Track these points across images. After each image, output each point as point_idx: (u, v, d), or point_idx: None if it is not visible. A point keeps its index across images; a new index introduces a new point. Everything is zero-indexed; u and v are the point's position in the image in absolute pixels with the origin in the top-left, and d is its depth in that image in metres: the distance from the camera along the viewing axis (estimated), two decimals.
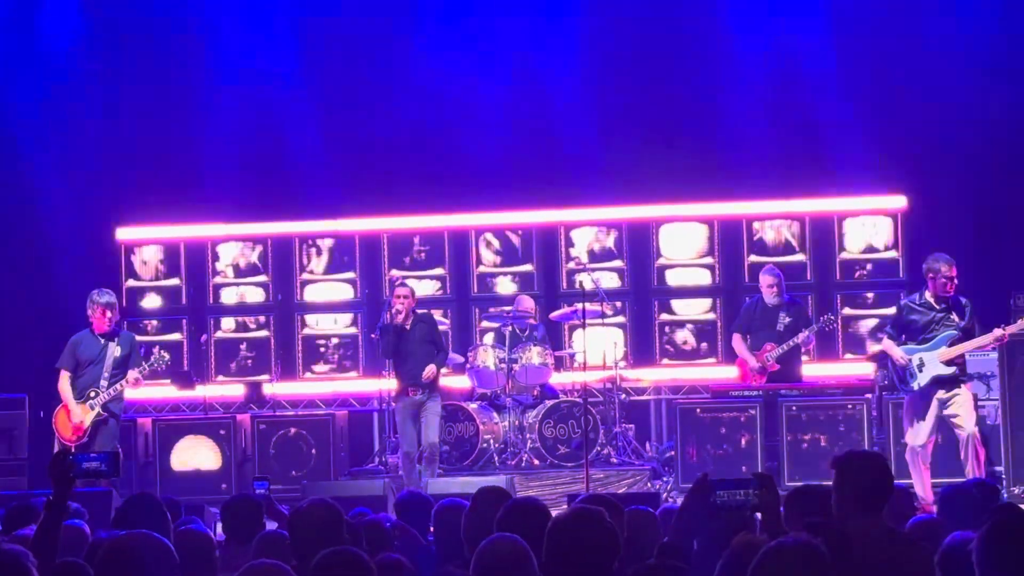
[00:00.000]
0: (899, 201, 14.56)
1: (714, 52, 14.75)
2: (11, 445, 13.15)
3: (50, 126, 15.07)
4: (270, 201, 15.23)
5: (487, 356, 13.34)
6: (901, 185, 14.47)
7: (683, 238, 14.95)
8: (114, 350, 11.53)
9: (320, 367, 15.14)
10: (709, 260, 14.90)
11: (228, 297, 15.36)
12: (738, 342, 13.00)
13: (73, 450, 11.03)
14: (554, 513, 5.15)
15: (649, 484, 12.66)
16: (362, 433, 14.50)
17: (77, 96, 15.17)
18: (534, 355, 13.26)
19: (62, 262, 14.69)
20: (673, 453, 12.83)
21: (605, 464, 13.06)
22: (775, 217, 14.85)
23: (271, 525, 7.10)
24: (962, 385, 11.04)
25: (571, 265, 14.82)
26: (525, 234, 15.10)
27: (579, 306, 12.67)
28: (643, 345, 14.79)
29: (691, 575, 4.78)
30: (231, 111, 15.12)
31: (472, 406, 13.26)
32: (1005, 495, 11.13)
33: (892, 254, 14.64)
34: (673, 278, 14.94)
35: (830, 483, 5.32)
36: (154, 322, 15.27)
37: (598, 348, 13.35)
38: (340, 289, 15.24)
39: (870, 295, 14.72)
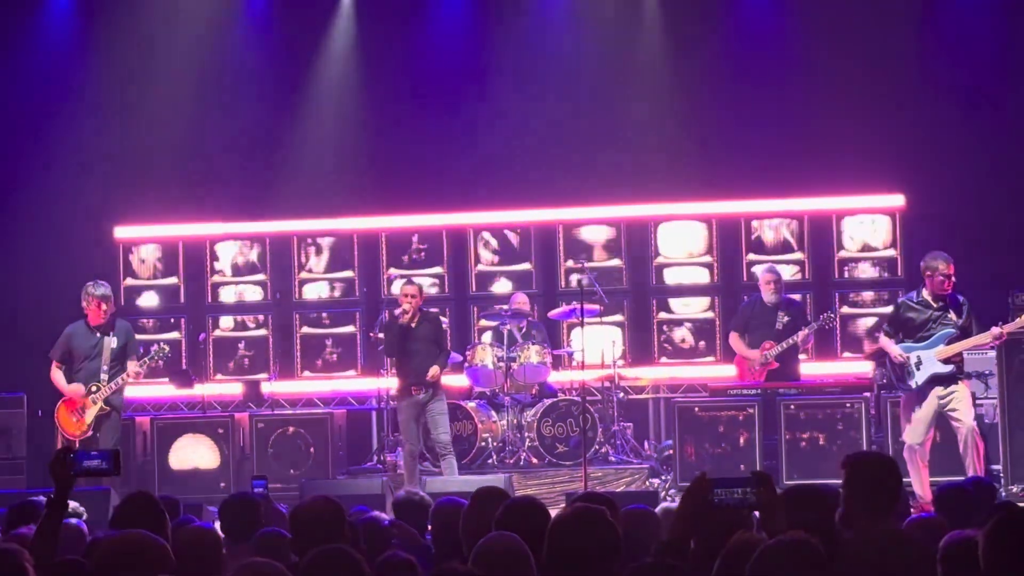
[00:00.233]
0: (897, 200, 14.56)
1: (713, 50, 14.74)
2: (9, 444, 13.16)
3: (48, 124, 15.05)
4: (268, 200, 15.22)
5: (485, 355, 13.34)
6: (899, 184, 14.47)
7: (681, 237, 14.95)
8: (110, 342, 11.51)
9: (318, 363, 15.14)
10: (708, 259, 14.90)
11: (226, 296, 15.36)
12: (735, 340, 13.01)
13: (77, 446, 11.03)
14: (553, 512, 5.15)
15: (647, 483, 12.68)
16: (360, 432, 14.51)
17: (75, 94, 15.16)
18: (532, 354, 13.27)
19: (60, 261, 14.68)
20: (671, 452, 12.83)
21: (603, 463, 13.07)
22: (773, 216, 14.86)
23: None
24: (960, 382, 11.06)
25: (570, 263, 14.82)
26: (523, 233, 15.09)
27: (577, 304, 12.68)
28: (641, 344, 14.79)
29: (689, 573, 4.77)
30: (230, 110, 15.12)
31: (470, 405, 13.26)
32: (1003, 493, 11.14)
33: (890, 252, 14.64)
34: (671, 277, 14.94)
35: (825, 482, 5.32)
36: (152, 321, 15.26)
37: (596, 347, 13.35)
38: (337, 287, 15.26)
39: (868, 294, 14.71)
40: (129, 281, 15.25)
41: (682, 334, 14.86)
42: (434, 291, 14.87)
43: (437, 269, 15.05)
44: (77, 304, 11.73)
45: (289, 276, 15.25)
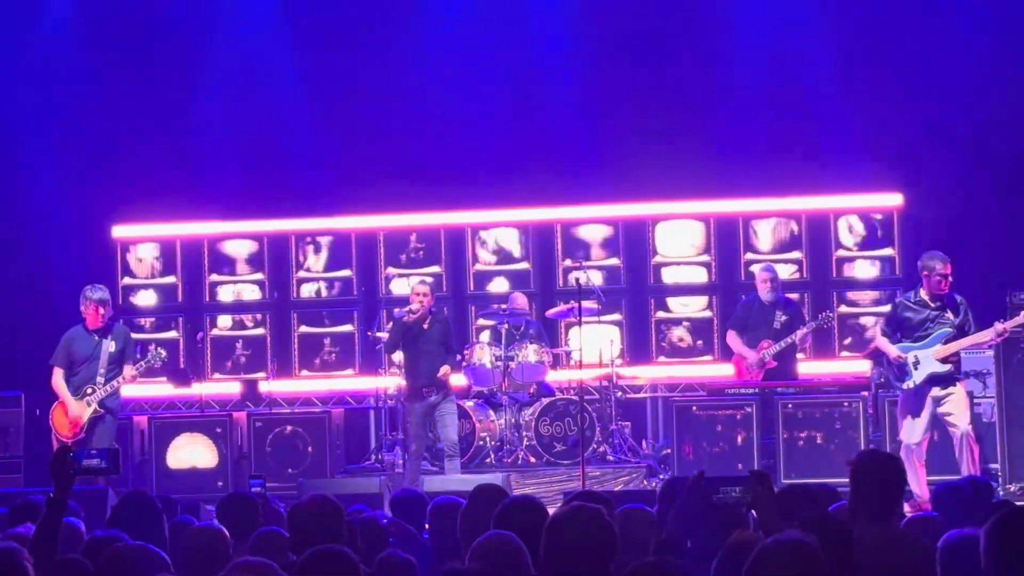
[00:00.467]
0: (895, 199, 14.57)
1: (711, 49, 14.75)
2: (7, 443, 13.15)
3: (45, 123, 15.05)
4: (266, 199, 15.22)
5: (483, 354, 13.34)
6: (897, 183, 14.47)
7: (679, 236, 14.95)
8: (108, 346, 11.51)
9: (316, 363, 15.14)
10: (705, 258, 14.90)
11: (224, 295, 15.35)
12: (733, 339, 13.01)
13: (71, 446, 11.02)
14: (551, 511, 5.15)
15: (645, 482, 12.67)
16: (358, 431, 14.50)
17: (72, 93, 15.15)
18: (530, 353, 13.27)
19: (58, 260, 14.69)
20: (669, 451, 12.83)
21: (601, 462, 13.07)
22: (771, 215, 14.86)
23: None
24: (957, 383, 11.06)
25: (567, 262, 14.82)
26: (522, 232, 15.09)
27: (575, 303, 12.68)
28: (639, 343, 14.80)
29: (688, 573, 4.78)
30: (228, 108, 15.12)
31: (468, 404, 13.26)
32: (1000, 492, 11.15)
33: (888, 251, 14.64)
34: (669, 276, 14.94)
35: (822, 481, 5.34)
36: (150, 320, 15.26)
37: (594, 346, 13.35)
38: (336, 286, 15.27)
39: (866, 293, 14.72)
40: (127, 280, 15.25)
41: (680, 333, 14.87)
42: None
43: (435, 268, 15.05)
44: (74, 303, 11.72)
45: (287, 275, 15.25)
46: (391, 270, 15.03)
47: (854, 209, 14.75)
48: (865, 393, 12.61)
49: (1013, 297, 11.80)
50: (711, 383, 13.40)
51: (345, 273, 15.23)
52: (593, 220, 15.07)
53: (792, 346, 12.79)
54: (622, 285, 14.91)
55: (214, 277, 15.31)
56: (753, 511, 4.94)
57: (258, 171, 15.26)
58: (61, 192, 15.00)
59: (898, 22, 14.56)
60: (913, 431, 10.98)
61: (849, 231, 14.73)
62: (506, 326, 13.48)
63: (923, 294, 11.09)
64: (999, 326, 10.92)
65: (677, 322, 14.88)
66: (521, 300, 14.08)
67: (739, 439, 12.47)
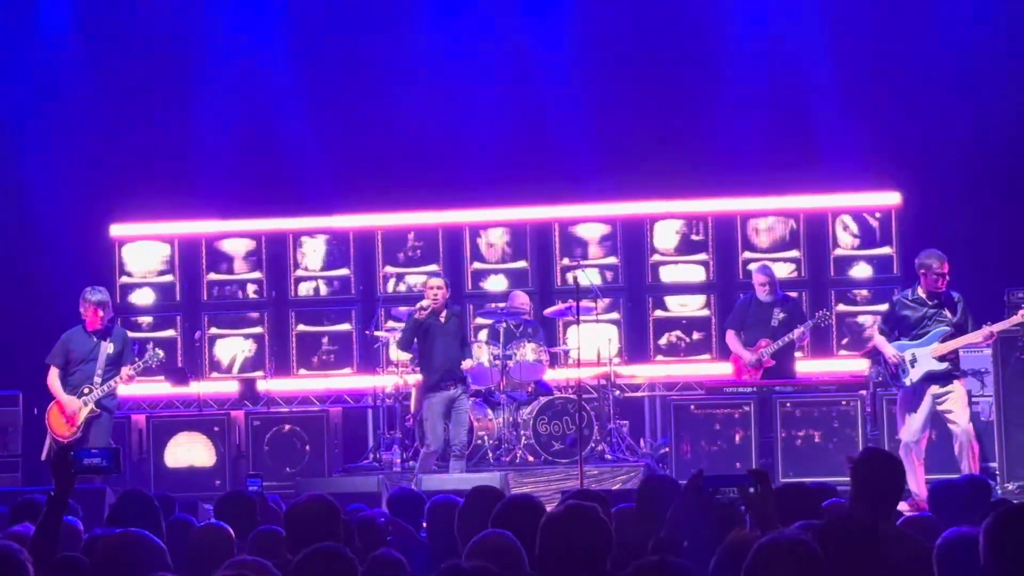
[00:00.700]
0: (893, 197, 14.57)
1: (709, 48, 14.75)
2: (5, 442, 13.15)
3: (43, 122, 15.04)
4: (264, 198, 15.21)
5: (481, 352, 13.33)
6: (895, 181, 14.48)
7: (677, 234, 14.94)
8: (107, 347, 11.52)
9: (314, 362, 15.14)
10: (703, 256, 14.90)
11: (222, 294, 15.34)
12: (731, 338, 13.03)
13: (65, 444, 11.03)
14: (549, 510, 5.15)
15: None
16: (356, 429, 14.51)
17: (70, 92, 15.15)
18: (528, 351, 13.27)
19: (55, 258, 14.68)
20: (667, 449, 12.84)
21: (599, 461, 13.07)
22: (769, 214, 14.86)
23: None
24: (955, 380, 11.08)
25: (565, 261, 14.82)
26: (520, 230, 15.09)
27: (573, 302, 12.68)
28: (637, 341, 14.80)
29: (688, 571, 4.78)
30: (225, 107, 15.11)
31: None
32: (999, 491, 11.15)
33: (886, 250, 14.65)
34: (667, 274, 14.94)
35: (820, 480, 5.35)
36: (147, 319, 15.26)
37: (592, 344, 13.35)
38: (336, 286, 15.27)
39: (864, 291, 14.72)
40: (124, 279, 15.24)
41: (678, 332, 14.87)
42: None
43: (433, 267, 15.04)
44: (72, 302, 11.73)
45: (285, 274, 15.24)
46: (389, 269, 15.03)
47: (852, 208, 14.75)
48: (863, 392, 12.62)
49: (1011, 295, 11.82)
50: (709, 382, 13.40)
51: (343, 272, 15.23)
52: (591, 219, 15.07)
53: (790, 344, 12.81)
54: (620, 284, 14.91)
55: (212, 276, 15.30)
56: (749, 510, 4.94)
57: (256, 170, 15.24)
58: (59, 191, 14.98)
59: (896, 21, 14.56)
60: (912, 429, 11.00)
61: (847, 230, 14.73)
62: (504, 325, 13.48)
63: (921, 292, 11.10)
64: (986, 330, 10.95)
65: (675, 321, 14.88)
66: (522, 298, 14.07)
67: (737, 438, 12.48)
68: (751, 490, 4.84)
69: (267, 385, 14.36)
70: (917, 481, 10.84)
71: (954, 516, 5.98)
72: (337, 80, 15.23)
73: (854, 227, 14.71)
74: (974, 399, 11.88)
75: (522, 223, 15.10)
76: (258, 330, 15.22)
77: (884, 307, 12.35)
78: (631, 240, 14.93)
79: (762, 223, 14.83)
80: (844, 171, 14.43)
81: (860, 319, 14.57)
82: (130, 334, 12.28)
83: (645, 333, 14.84)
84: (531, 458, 13.11)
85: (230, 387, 14.61)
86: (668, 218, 14.92)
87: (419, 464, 12.29)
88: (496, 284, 15.01)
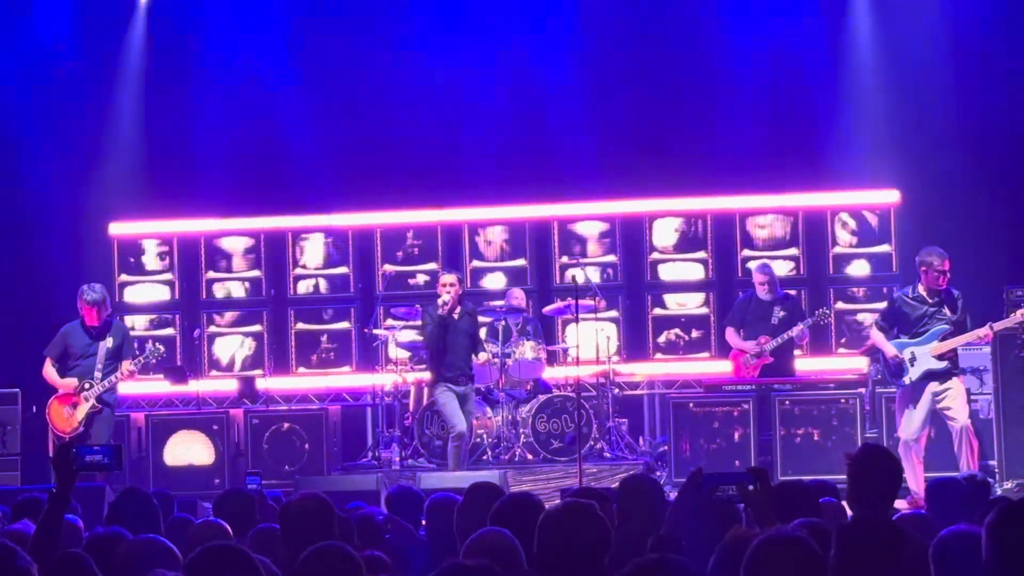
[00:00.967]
0: (892, 195, 14.57)
1: (708, 47, 14.76)
2: (4, 440, 13.14)
3: (43, 121, 15.03)
4: (263, 196, 15.21)
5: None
6: (894, 179, 14.48)
7: (676, 232, 14.94)
8: (106, 343, 11.53)
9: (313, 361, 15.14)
10: (702, 254, 14.90)
11: (221, 292, 15.35)
12: (731, 335, 13.04)
13: (67, 441, 11.03)
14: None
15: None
16: (355, 428, 14.52)
17: (71, 91, 15.15)
18: (527, 350, 13.26)
19: (55, 256, 14.69)
20: (666, 447, 12.84)
21: (598, 459, 13.07)
22: (768, 212, 14.86)
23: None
24: (955, 378, 11.08)
25: (564, 259, 14.82)
26: (518, 228, 15.09)
27: (572, 300, 12.68)
28: (636, 339, 14.80)
29: (688, 570, 4.78)
30: (225, 106, 15.12)
31: None
32: (997, 489, 11.16)
33: (885, 248, 14.65)
34: (666, 272, 14.95)
35: (818, 478, 5.35)
36: (147, 317, 15.25)
37: (591, 343, 13.34)
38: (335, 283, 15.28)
39: (863, 289, 14.73)
40: (124, 277, 15.23)
41: (677, 330, 14.87)
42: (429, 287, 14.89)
43: (432, 265, 15.05)
44: (72, 299, 11.74)
45: (283, 272, 15.24)
46: (388, 267, 15.02)
47: (851, 206, 14.75)
48: (862, 390, 12.63)
49: (1009, 293, 11.82)
50: (708, 380, 13.40)
51: (342, 270, 15.22)
52: (590, 217, 15.06)
53: (789, 342, 12.81)
54: (619, 281, 14.91)
55: (211, 274, 15.30)
56: (748, 507, 4.94)
57: (255, 168, 15.25)
58: (59, 189, 14.99)
59: (895, 20, 14.57)
60: (911, 427, 11.00)
61: (845, 228, 14.73)
62: (503, 323, 13.48)
63: (921, 290, 11.11)
64: (985, 328, 10.95)
65: (674, 319, 14.88)
66: (519, 295, 14.07)
67: (736, 436, 12.48)
68: (750, 488, 4.84)
69: (266, 383, 14.35)
70: (916, 479, 10.84)
71: (953, 514, 5.98)
72: (336, 79, 15.23)
73: (853, 225, 14.71)
74: (973, 397, 11.90)
75: (521, 221, 15.09)
76: (257, 328, 15.22)
77: (883, 305, 12.35)
78: (630, 238, 14.93)
79: (761, 221, 14.83)
80: (843, 169, 14.43)
81: (859, 317, 14.57)
82: (130, 332, 12.26)
83: (644, 331, 14.84)
84: (530, 456, 13.10)
85: (229, 385, 14.61)
86: (667, 216, 14.93)
87: (451, 460, 12.03)
88: (495, 282, 15.00)
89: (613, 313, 14.73)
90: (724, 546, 4.40)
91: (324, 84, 15.26)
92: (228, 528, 5.97)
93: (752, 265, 13.81)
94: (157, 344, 12.15)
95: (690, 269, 14.93)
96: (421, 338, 12.56)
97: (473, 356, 12.17)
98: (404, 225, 15.20)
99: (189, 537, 5.86)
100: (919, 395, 11.01)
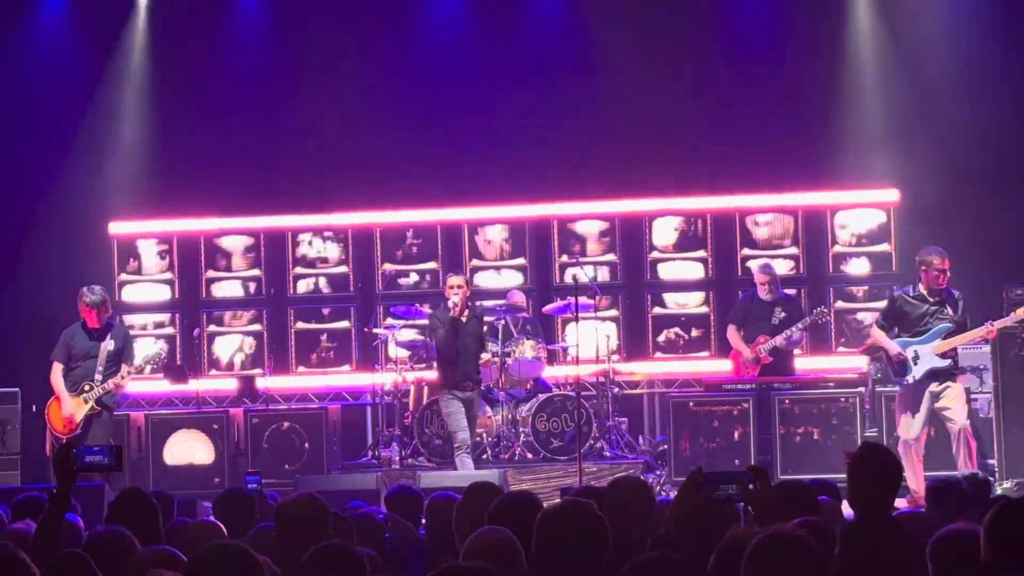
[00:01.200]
0: (892, 194, 14.57)
1: (708, 45, 14.74)
2: (4, 439, 13.14)
3: (43, 120, 15.03)
4: (263, 195, 15.20)
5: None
6: (894, 179, 14.47)
7: (676, 231, 14.94)
8: (107, 345, 11.52)
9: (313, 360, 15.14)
10: (702, 253, 14.90)
11: (221, 291, 15.34)
12: (732, 334, 13.04)
13: (65, 441, 11.02)
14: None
15: (642, 478, 12.66)
16: (355, 427, 14.52)
17: (70, 90, 15.14)
18: (527, 349, 13.26)
19: (55, 255, 14.68)
20: (666, 446, 12.84)
21: (598, 458, 13.07)
22: (768, 211, 14.86)
23: None
24: (955, 378, 11.08)
25: (564, 258, 14.81)
26: (518, 228, 15.08)
27: (572, 299, 12.68)
28: (636, 339, 14.80)
29: (688, 568, 4.78)
30: (224, 106, 15.10)
31: None
32: (997, 489, 11.16)
33: (884, 247, 14.65)
34: (666, 272, 14.94)
35: (818, 477, 5.34)
36: (147, 316, 15.25)
37: (591, 342, 13.34)
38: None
39: (862, 288, 14.73)
40: (124, 276, 15.23)
41: (677, 329, 14.87)
42: (428, 286, 14.89)
43: (431, 264, 15.05)
44: (71, 299, 11.73)
45: (283, 271, 15.23)
46: (387, 266, 15.02)
47: (851, 205, 14.75)
48: (862, 389, 12.63)
49: (1009, 292, 11.82)
50: (708, 379, 13.39)
51: (342, 269, 15.22)
52: (590, 216, 15.06)
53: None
54: (619, 281, 14.91)
55: (211, 273, 15.29)
56: (748, 507, 4.94)
57: (255, 168, 15.23)
58: (59, 189, 14.98)
59: (895, 19, 14.56)
60: (911, 426, 11.00)
61: (845, 227, 14.73)
62: (503, 322, 13.48)
63: (922, 289, 11.11)
64: (987, 326, 10.95)
65: (674, 318, 14.88)
66: (519, 296, 14.07)
67: (736, 435, 12.48)
68: (750, 487, 4.84)
69: (266, 382, 14.35)
70: (916, 478, 10.84)
71: (952, 513, 5.98)
72: (336, 77, 15.20)
73: (853, 224, 14.71)
74: (973, 396, 11.90)
75: (520, 220, 15.09)
76: (257, 327, 15.22)
77: (883, 304, 12.35)
78: (630, 237, 14.92)
79: (761, 220, 14.83)
80: (843, 168, 14.43)
81: (859, 316, 14.57)
82: (131, 334, 12.25)
83: (644, 330, 14.84)
84: (530, 455, 13.10)
85: (229, 385, 14.61)
86: (667, 215, 14.93)
87: (462, 468, 11.84)
88: (495, 281, 15.00)
89: (613, 312, 14.73)
90: (724, 545, 4.40)
91: (324, 83, 15.23)
92: (222, 528, 5.95)
93: (753, 264, 13.81)
94: (159, 346, 12.12)
95: (690, 268, 14.93)
96: (432, 340, 12.34)
97: None
98: (404, 224, 15.19)
99: (184, 537, 5.85)
100: (920, 394, 11.00)
